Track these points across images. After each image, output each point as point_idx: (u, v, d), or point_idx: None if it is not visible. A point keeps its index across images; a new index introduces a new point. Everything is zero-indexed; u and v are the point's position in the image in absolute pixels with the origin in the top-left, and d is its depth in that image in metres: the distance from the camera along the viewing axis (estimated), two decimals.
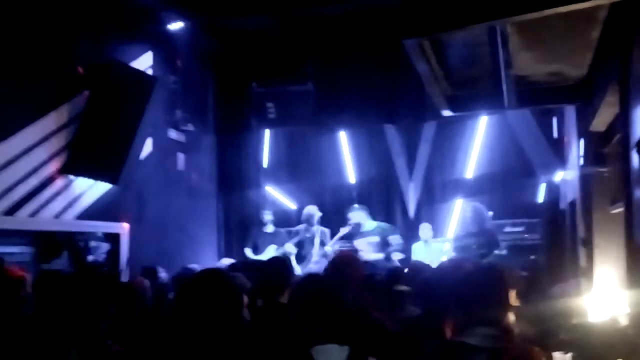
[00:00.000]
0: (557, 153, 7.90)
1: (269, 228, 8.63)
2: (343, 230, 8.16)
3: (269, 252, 8.17)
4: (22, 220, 5.99)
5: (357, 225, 8.12)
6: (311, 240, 8.27)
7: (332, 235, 8.50)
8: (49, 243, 6.47)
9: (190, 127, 8.66)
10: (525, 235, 8.17)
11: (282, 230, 8.55)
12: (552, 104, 6.69)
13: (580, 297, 4.48)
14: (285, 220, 9.12)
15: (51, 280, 4.07)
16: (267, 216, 8.65)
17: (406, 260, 7.90)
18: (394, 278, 4.12)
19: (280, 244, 8.31)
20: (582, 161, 5.93)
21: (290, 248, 8.21)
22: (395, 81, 8.92)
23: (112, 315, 3.86)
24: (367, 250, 7.79)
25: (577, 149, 6.29)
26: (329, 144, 9.56)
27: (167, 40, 8.16)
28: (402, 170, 9.22)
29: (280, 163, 9.82)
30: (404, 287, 3.98)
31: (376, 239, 7.94)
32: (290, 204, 9.52)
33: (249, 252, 8.48)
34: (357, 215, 8.17)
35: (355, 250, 7.79)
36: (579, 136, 6.19)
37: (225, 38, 9.00)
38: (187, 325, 2.39)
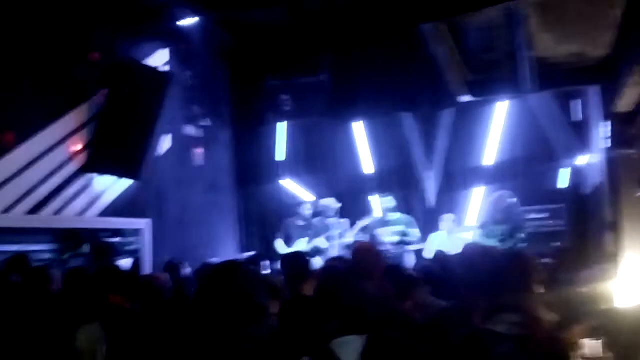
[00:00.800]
0: (581, 136, 7.75)
1: (308, 220, 8.41)
2: (363, 222, 8.12)
3: (300, 245, 8.07)
4: (45, 219, 6.07)
5: (384, 215, 8.10)
6: (327, 231, 8.19)
7: (350, 225, 8.44)
8: (72, 240, 6.55)
9: (207, 122, 8.69)
10: (549, 222, 8.05)
11: (316, 222, 8.35)
12: (575, 86, 6.57)
13: (607, 282, 4.41)
14: None
15: (77, 277, 4.16)
16: (307, 210, 8.44)
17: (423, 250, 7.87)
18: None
19: (314, 237, 8.16)
20: (607, 144, 5.80)
21: (321, 242, 8.11)
22: (411, 69, 8.80)
23: (137, 310, 3.91)
24: (390, 240, 7.75)
25: (601, 132, 6.15)
26: (345, 135, 9.47)
27: (181, 36, 8.17)
28: (420, 159, 9.11)
29: (297, 155, 9.76)
30: (412, 272, 3.94)
31: (400, 228, 7.95)
32: (308, 196, 9.48)
33: (281, 244, 8.35)
34: (386, 203, 8.15)
35: (375, 239, 7.75)
36: (604, 118, 6.05)
37: (239, 32, 8.98)
38: (200, 319, 2.38)
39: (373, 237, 7.92)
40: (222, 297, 2.40)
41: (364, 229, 8.13)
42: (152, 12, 7.50)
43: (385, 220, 8.09)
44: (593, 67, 5.59)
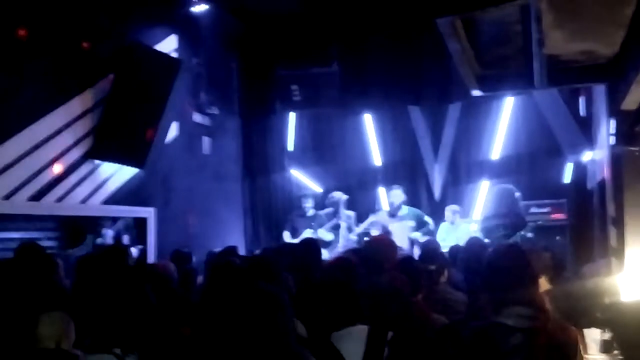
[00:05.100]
0: (585, 132, 7.78)
1: (309, 212, 8.51)
2: (373, 217, 8.14)
3: (306, 236, 8.10)
4: (48, 206, 6.02)
5: (397, 207, 8.09)
6: (337, 225, 8.20)
7: (357, 218, 8.46)
8: (75, 234, 6.47)
9: (215, 110, 8.67)
10: (552, 216, 8.09)
11: (322, 213, 8.42)
12: (583, 83, 6.55)
13: (611, 276, 4.44)
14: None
15: (90, 263, 4.14)
16: (308, 204, 8.52)
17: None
18: (428, 258, 4.09)
19: (319, 227, 8.22)
20: (613, 140, 5.82)
21: (323, 234, 8.13)
22: (421, 62, 8.85)
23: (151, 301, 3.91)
24: (402, 234, 7.73)
25: (606, 128, 6.18)
26: (354, 126, 9.54)
27: (191, 23, 8.13)
28: (427, 151, 9.18)
29: (305, 146, 9.82)
30: (433, 267, 3.96)
31: (412, 223, 7.94)
32: (316, 187, 9.50)
33: (287, 236, 8.42)
34: (397, 196, 8.13)
35: (387, 233, 7.76)
36: (609, 115, 6.07)
37: (249, 20, 8.95)
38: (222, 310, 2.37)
39: (384, 231, 7.91)
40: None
41: (373, 223, 8.13)
42: None
43: (397, 214, 8.07)
44: (601, 65, 5.58)
